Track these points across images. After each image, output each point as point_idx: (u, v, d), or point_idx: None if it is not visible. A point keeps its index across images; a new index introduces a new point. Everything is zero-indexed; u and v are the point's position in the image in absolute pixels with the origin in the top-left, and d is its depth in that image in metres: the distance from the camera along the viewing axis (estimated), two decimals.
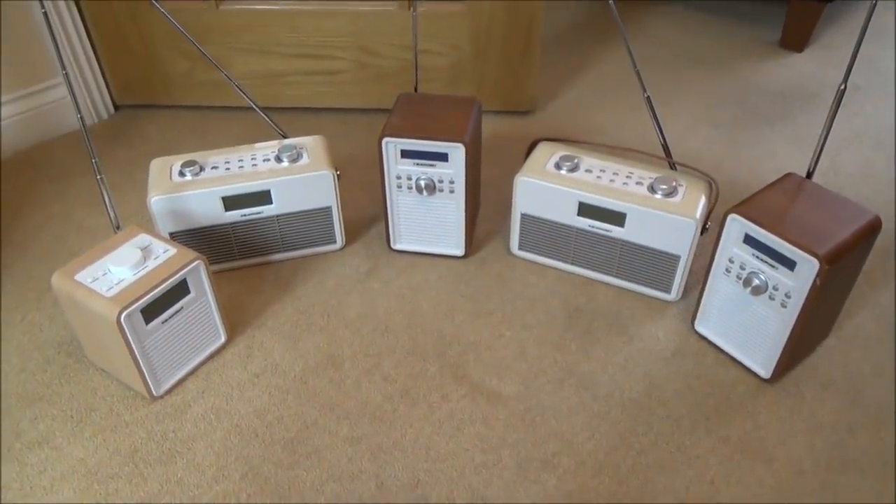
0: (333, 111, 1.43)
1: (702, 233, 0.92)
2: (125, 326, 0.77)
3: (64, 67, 0.76)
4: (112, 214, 0.86)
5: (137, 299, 0.77)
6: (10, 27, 1.24)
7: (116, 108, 1.45)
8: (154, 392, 0.85)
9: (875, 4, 0.74)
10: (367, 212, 1.16)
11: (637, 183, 0.95)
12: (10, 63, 1.26)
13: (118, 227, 0.86)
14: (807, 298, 0.79)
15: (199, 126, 1.39)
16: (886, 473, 0.78)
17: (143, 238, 0.85)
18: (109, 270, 0.80)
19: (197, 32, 1.33)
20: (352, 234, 1.12)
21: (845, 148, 1.31)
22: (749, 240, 0.82)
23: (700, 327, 0.94)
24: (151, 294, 0.79)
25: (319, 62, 1.37)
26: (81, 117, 0.79)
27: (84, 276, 0.80)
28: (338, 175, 1.00)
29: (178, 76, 1.40)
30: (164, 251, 0.83)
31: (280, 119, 1.38)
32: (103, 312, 0.76)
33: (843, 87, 0.80)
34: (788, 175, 0.87)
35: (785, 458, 0.80)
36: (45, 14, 0.74)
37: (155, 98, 1.43)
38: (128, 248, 0.82)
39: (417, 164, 0.98)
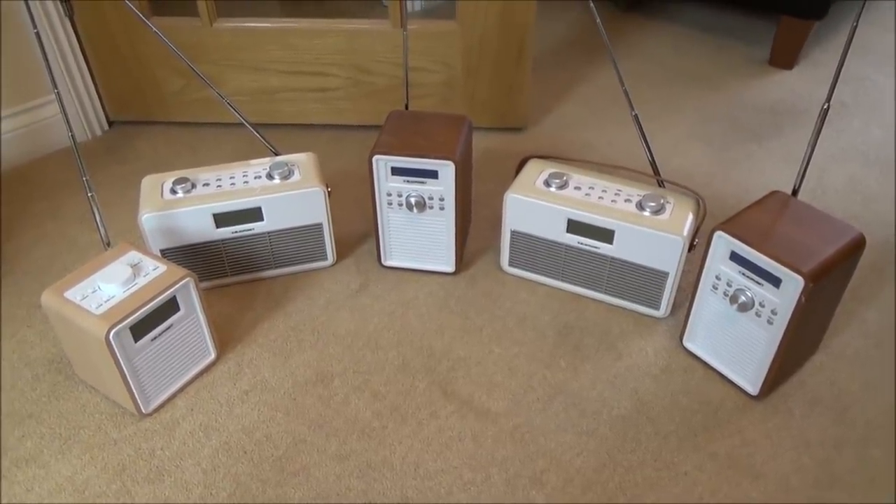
0: (326, 128, 1.44)
1: (690, 250, 0.93)
2: (114, 344, 0.77)
3: (55, 86, 0.76)
4: (102, 231, 0.86)
5: (126, 317, 0.78)
6: (5, 44, 1.25)
7: (110, 124, 1.45)
8: (143, 409, 0.85)
9: (855, 28, 0.75)
10: (358, 228, 1.17)
11: (625, 200, 0.96)
12: (5, 79, 1.27)
13: (108, 244, 0.87)
14: (793, 315, 0.79)
15: (193, 143, 1.40)
16: (874, 490, 0.79)
17: (134, 255, 0.85)
18: (99, 288, 0.80)
19: (191, 50, 1.34)
20: (343, 251, 1.12)
21: (833, 164, 1.32)
22: (735, 257, 0.83)
23: (688, 343, 0.94)
24: (141, 311, 0.79)
25: (312, 79, 1.38)
26: (72, 135, 0.80)
27: (74, 294, 0.80)
28: (329, 192, 1.01)
29: (171, 93, 1.41)
30: (154, 268, 0.83)
31: (273, 136, 1.39)
32: (92, 330, 0.77)
33: (826, 106, 0.81)
34: (774, 193, 0.88)
35: (773, 474, 0.80)
36: (37, 33, 0.75)
37: (149, 114, 1.44)
38: (118, 266, 0.82)
39: (408, 182, 0.99)
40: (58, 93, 0.77)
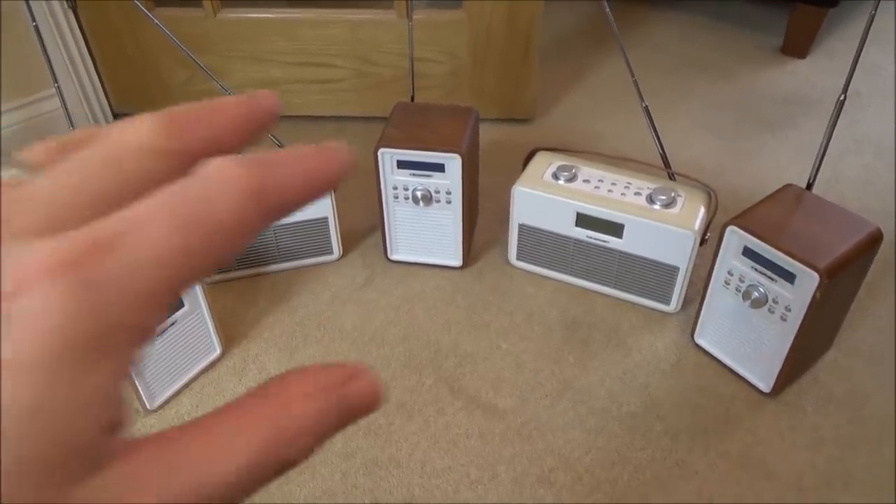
0: (331, 119, 1.43)
1: (701, 244, 0.91)
2: None
3: (55, 80, 0.75)
4: None
5: None
6: (10, 36, 1.23)
7: (115, 116, 1.44)
8: (148, 406, 0.84)
9: (873, 17, 0.73)
10: (364, 221, 1.16)
11: (635, 193, 0.94)
12: (10, 72, 1.26)
13: None
14: (807, 312, 0.77)
15: None
16: (888, 490, 0.77)
17: None
18: None
19: (194, 41, 1.33)
20: (349, 244, 1.11)
21: (847, 155, 1.30)
22: (748, 252, 0.81)
23: (700, 339, 0.93)
24: None
25: (317, 70, 1.37)
26: (73, 130, 0.79)
27: None
28: None
29: (176, 85, 1.40)
30: None
31: (278, 128, 1.37)
32: None
33: (842, 97, 0.79)
34: (788, 186, 0.86)
35: (785, 473, 0.79)
36: (36, 27, 0.74)
37: (153, 107, 1.40)
38: None
39: (414, 175, 0.98)
40: (58, 87, 0.76)
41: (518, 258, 1.05)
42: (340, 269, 1.07)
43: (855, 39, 1.78)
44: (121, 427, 0.15)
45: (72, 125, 0.78)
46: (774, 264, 0.79)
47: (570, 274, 1.02)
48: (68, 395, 0.13)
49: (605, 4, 0.94)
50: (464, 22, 1.29)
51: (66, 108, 0.76)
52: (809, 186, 0.85)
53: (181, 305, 0.84)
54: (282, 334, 0.96)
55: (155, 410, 0.85)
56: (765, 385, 0.86)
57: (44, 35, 1.25)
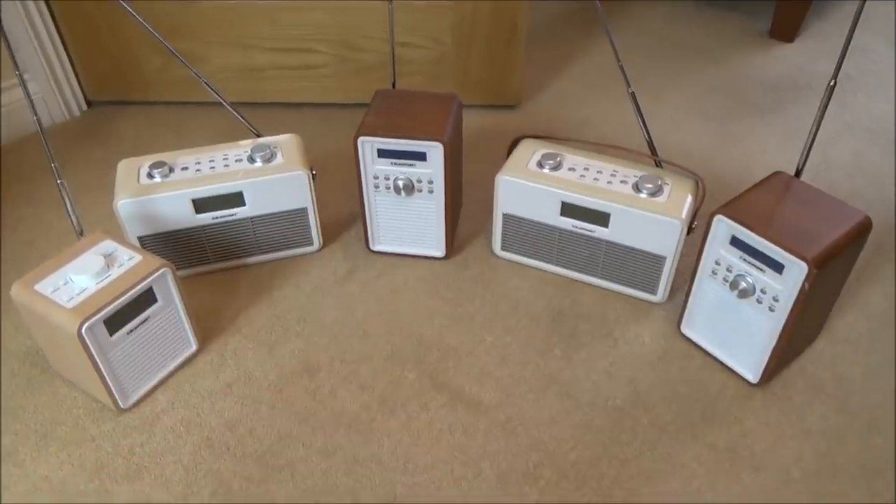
0: (313, 106, 1.40)
1: (688, 233, 0.89)
2: (87, 339, 0.74)
3: (17, 68, 0.72)
4: (74, 220, 0.83)
5: (100, 310, 0.74)
6: None
7: (89, 104, 1.41)
8: (121, 404, 0.82)
9: (864, 2, 0.71)
10: (346, 210, 1.13)
11: (622, 182, 0.92)
12: None
13: (81, 233, 0.83)
14: (795, 302, 0.76)
15: (175, 123, 1.36)
16: (878, 480, 0.76)
17: (108, 244, 0.81)
18: (71, 280, 0.77)
19: (172, 26, 1.29)
20: (330, 235, 1.08)
21: (836, 140, 1.29)
22: (736, 242, 0.80)
23: (686, 330, 0.91)
24: (115, 304, 0.75)
25: (299, 56, 1.33)
26: (38, 119, 0.75)
27: (44, 287, 0.76)
28: (314, 174, 0.97)
29: (152, 72, 1.36)
30: (129, 258, 0.80)
31: (258, 115, 1.34)
32: (64, 325, 0.73)
33: (832, 83, 0.77)
34: (776, 174, 0.84)
35: (773, 465, 0.78)
36: None
37: (129, 94, 1.39)
38: (90, 256, 0.79)
39: (395, 164, 0.95)
40: (19, 74, 0.72)
41: (503, 248, 1.03)
42: (321, 261, 1.04)
43: (842, 23, 1.77)
44: None
45: (36, 114, 0.75)
46: (762, 254, 0.77)
47: (556, 264, 1.00)
48: None
49: None
50: (447, 5, 1.26)
51: (30, 98, 0.73)
52: (798, 173, 0.84)
53: (154, 301, 0.81)
54: (261, 328, 0.94)
55: (129, 409, 0.83)
56: (752, 375, 0.85)
57: (13, 22, 1.21)
